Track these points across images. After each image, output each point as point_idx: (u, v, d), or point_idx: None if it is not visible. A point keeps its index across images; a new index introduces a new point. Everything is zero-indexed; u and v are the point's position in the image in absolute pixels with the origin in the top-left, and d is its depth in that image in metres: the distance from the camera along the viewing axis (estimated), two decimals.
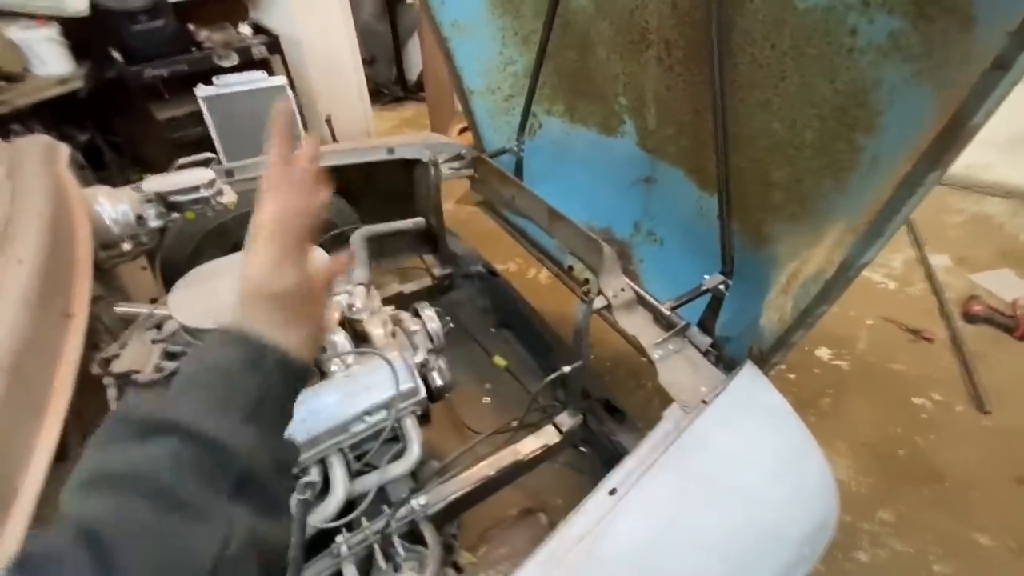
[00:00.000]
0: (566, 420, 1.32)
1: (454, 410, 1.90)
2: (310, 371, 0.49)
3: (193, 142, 2.87)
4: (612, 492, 0.79)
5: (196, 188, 1.25)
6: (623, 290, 1.11)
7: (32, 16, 2.49)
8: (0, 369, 0.60)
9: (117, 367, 0.94)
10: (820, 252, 0.95)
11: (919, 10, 0.67)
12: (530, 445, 1.28)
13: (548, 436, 1.30)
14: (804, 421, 1.59)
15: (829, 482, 0.91)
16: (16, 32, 2.46)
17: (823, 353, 2.13)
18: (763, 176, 1.11)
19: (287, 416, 0.47)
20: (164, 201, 1.23)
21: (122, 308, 1.20)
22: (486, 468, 1.21)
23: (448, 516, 1.18)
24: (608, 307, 1.08)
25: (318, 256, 0.52)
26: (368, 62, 4.74)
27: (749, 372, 1.02)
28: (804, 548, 0.82)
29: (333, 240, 1.60)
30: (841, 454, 1.75)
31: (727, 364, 1.10)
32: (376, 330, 1.20)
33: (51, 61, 2.54)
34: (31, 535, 0.34)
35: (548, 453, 1.29)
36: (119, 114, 2.99)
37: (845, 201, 0.91)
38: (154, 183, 1.22)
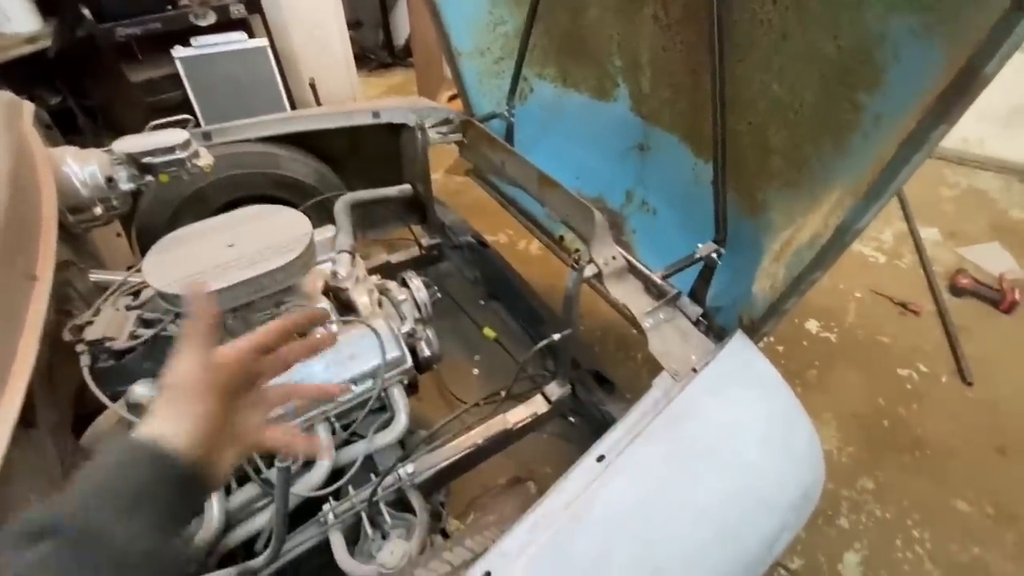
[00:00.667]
0: (555, 390, 1.31)
1: (443, 381, 1.89)
2: (199, 470, 0.45)
3: (171, 107, 2.75)
4: (600, 459, 0.78)
5: (171, 149, 1.19)
6: (614, 258, 1.09)
7: None
8: None
9: (90, 334, 0.90)
10: (816, 218, 0.93)
11: None
12: (519, 414, 1.27)
13: (537, 405, 1.30)
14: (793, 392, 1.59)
15: (816, 451, 0.91)
16: None
17: (812, 325, 2.14)
18: (761, 141, 1.08)
19: (177, 514, 0.45)
20: (136, 163, 1.17)
21: (96, 275, 1.15)
22: (474, 437, 1.20)
23: (436, 484, 1.17)
24: (599, 275, 1.06)
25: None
26: (354, 26, 4.57)
27: (739, 341, 1.01)
28: (789, 515, 0.83)
29: (316, 206, 1.55)
30: (827, 424, 1.77)
31: (717, 334, 1.09)
32: (361, 298, 1.17)
33: (16, 18, 2.40)
34: None
35: (537, 422, 1.29)
36: (91, 76, 2.85)
37: (845, 164, 0.89)
38: (125, 144, 1.16)
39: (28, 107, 1.16)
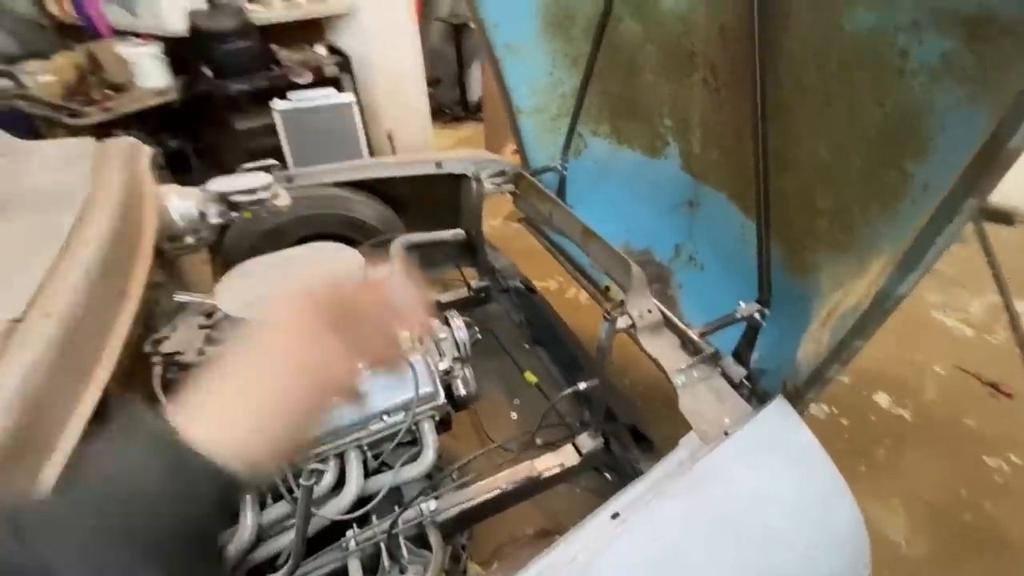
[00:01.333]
0: (587, 442, 1.29)
1: (480, 422, 1.90)
2: (253, 482, 0.36)
3: (266, 151, 3.08)
4: (615, 516, 0.77)
5: (254, 190, 1.35)
6: (649, 311, 1.09)
7: (139, 35, 2.81)
8: (55, 338, 0.67)
9: (165, 347, 1.02)
10: (863, 283, 0.89)
11: (971, 30, 0.63)
12: (547, 463, 1.25)
13: (567, 456, 1.28)
14: (854, 471, 1.49)
15: (860, 534, 0.84)
16: (126, 49, 2.78)
17: (882, 399, 1.97)
18: (808, 203, 1.06)
19: (208, 541, 0.37)
20: (225, 201, 1.33)
21: (181, 296, 1.30)
22: (500, 481, 1.20)
23: (459, 525, 1.17)
24: (632, 327, 1.06)
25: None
26: (433, 83, 4.96)
27: (779, 407, 0.96)
28: None
29: (374, 246, 1.67)
30: (895, 512, 1.59)
31: (760, 398, 1.05)
32: (402, 333, 1.23)
33: (152, 75, 2.84)
34: None
35: (566, 474, 1.26)
36: (205, 124, 3.28)
37: (892, 231, 0.86)
38: (217, 184, 1.33)
39: (147, 150, 1.37)
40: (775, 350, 1.14)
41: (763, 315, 1.11)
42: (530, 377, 2.01)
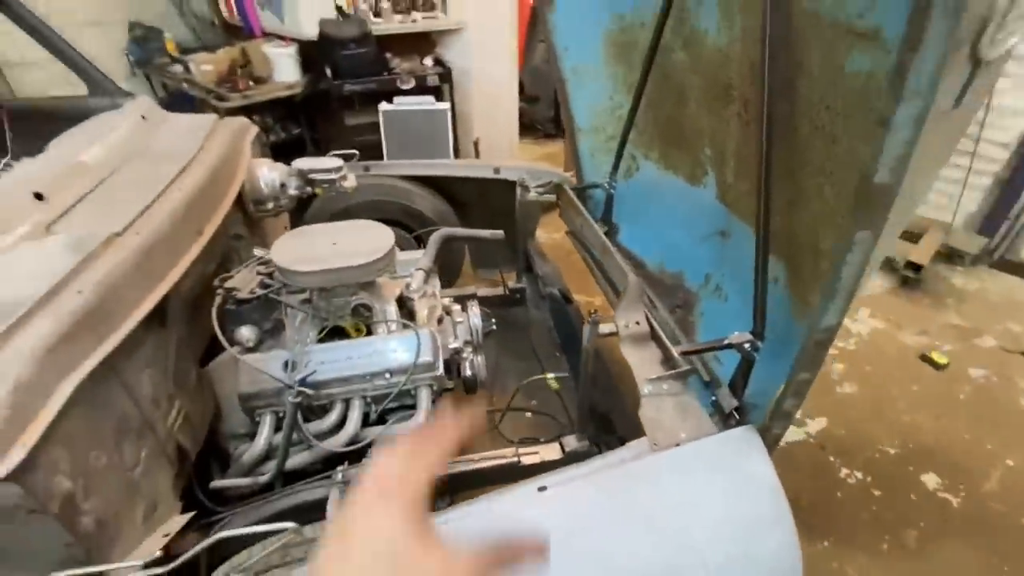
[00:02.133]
0: (572, 441, 1.35)
1: (494, 417, 2.01)
2: None
3: (368, 146, 3.47)
4: (542, 488, 0.84)
5: (328, 171, 1.59)
6: (637, 323, 1.14)
7: (282, 37, 3.31)
8: (138, 250, 0.90)
9: (228, 284, 1.25)
10: None
11: None
12: (532, 455, 1.33)
13: (551, 452, 1.34)
14: (874, 548, 1.44)
15: (790, 569, 0.84)
16: (270, 49, 3.29)
17: (930, 480, 1.79)
18: (813, 243, 1.06)
19: None
20: (304, 177, 1.58)
21: (257, 250, 1.57)
22: (483, 460, 1.30)
23: (440, 492, 1.29)
24: (615, 334, 1.12)
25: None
26: (532, 100, 5.20)
27: (743, 435, 0.98)
28: None
29: (417, 238, 1.86)
30: None
31: None
32: (422, 311, 1.39)
33: (286, 72, 3.33)
34: None
35: (546, 466, 1.33)
36: (322, 116, 3.75)
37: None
38: (300, 163, 1.59)
39: (253, 129, 1.66)
40: (767, 387, 1.13)
41: (755, 347, 1.11)
42: (552, 383, 2.08)
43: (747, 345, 1.12)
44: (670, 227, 1.78)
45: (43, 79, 3.32)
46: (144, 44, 4.11)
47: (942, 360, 2.31)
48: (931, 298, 2.84)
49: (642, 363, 1.10)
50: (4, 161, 1.36)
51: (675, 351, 1.11)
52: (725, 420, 1.09)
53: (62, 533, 0.71)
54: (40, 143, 1.25)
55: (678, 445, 0.93)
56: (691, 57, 1.39)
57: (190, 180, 1.12)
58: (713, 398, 1.16)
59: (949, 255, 3.11)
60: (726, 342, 1.13)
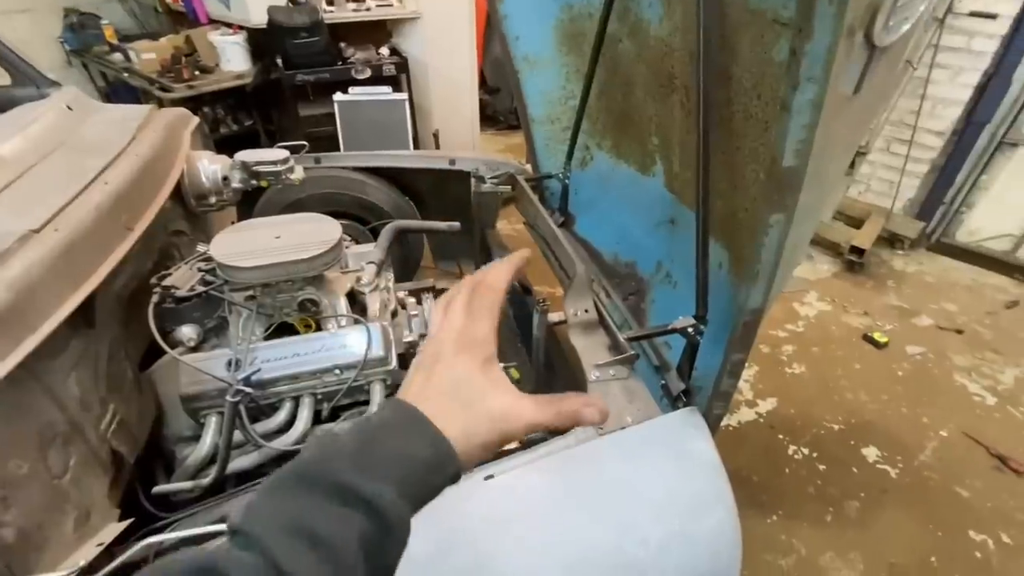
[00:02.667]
0: None
1: None
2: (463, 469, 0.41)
3: (323, 137, 3.39)
4: (488, 477, 0.85)
5: (273, 163, 1.54)
6: (586, 311, 1.15)
7: (229, 25, 3.18)
8: (58, 247, 0.85)
9: (166, 281, 1.20)
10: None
11: None
12: None
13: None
14: (818, 519, 1.50)
15: (729, 543, 0.87)
16: (216, 37, 3.16)
17: (870, 453, 1.88)
18: (752, 228, 1.09)
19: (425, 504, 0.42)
20: (248, 169, 1.53)
21: (200, 246, 1.51)
22: None
23: None
24: (563, 323, 1.13)
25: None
26: (494, 92, 5.18)
27: (686, 415, 1.00)
28: None
29: (372, 230, 1.83)
30: (851, 566, 1.54)
31: None
32: (373, 304, 1.37)
33: (235, 60, 3.20)
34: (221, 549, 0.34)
35: (502, 454, 1.34)
36: (275, 108, 3.63)
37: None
38: (243, 155, 1.53)
39: (193, 120, 1.59)
40: (715, 368, 1.16)
41: (698, 331, 1.14)
42: (514, 373, 2.09)
43: (690, 329, 1.15)
44: (624, 216, 1.80)
45: None
46: (80, 32, 3.89)
47: (883, 339, 2.43)
48: (874, 280, 2.98)
49: (590, 349, 1.12)
50: None
51: (622, 337, 1.13)
52: (673, 403, 1.12)
53: None
54: None
55: (623, 429, 0.95)
56: (637, 47, 1.40)
57: (119, 173, 1.07)
58: (663, 382, 1.19)
59: (890, 239, 3.27)
60: (670, 327, 1.16)
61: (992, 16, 2.78)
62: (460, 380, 0.42)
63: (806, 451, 1.86)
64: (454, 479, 0.41)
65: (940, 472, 1.82)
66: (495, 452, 0.45)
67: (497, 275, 0.47)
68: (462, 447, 0.40)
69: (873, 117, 2.50)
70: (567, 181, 1.89)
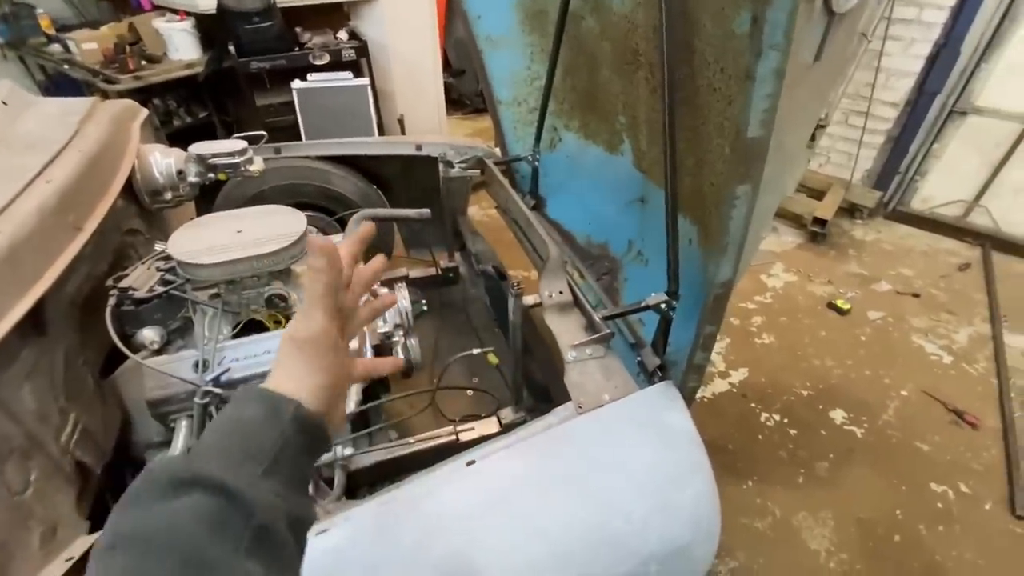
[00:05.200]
0: (508, 414, 1.36)
1: (436, 396, 2.00)
2: (325, 425, 0.47)
3: (284, 127, 3.27)
4: (470, 463, 0.85)
5: (231, 155, 1.47)
6: (561, 293, 1.15)
7: (175, 11, 3.02)
8: (1, 251, 0.80)
9: (123, 283, 1.15)
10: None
11: None
12: (471, 432, 1.34)
13: (488, 426, 1.36)
14: (791, 481, 1.54)
15: (709, 513, 0.89)
16: (161, 24, 2.99)
17: (837, 415, 1.96)
18: (719, 201, 1.10)
19: (305, 473, 0.46)
20: (203, 162, 1.46)
21: (158, 245, 1.44)
22: (420, 442, 1.29)
23: (376, 477, 1.27)
24: (539, 305, 1.13)
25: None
26: (458, 74, 5.08)
27: (662, 390, 1.02)
28: (651, 566, 0.82)
29: (339, 221, 1.78)
30: (823, 523, 1.61)
31: None
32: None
33: (183, 49, 3.04)
34: None
35: (483, 440, 1.34)
36: (230, 97, 3.48)
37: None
38: (198, 147, 1.46)
39: (141, 112, 1.51)
40: (688, 342, 1.18)
41: (671, 306, 1.16)
42: (492, 359, 2.09)
43: (663, 305, 1.16)
44: (594, 197, 1.80)
45: None
46: (14, 23, 3.63)
47: (845, 306, 2.52)
48: (836, 250, 3.08)
49: (566, 330, 1.12)
50: None
51: (597, 316, 1.14)
52: (650, 378, 1.14)
53: None
54: None
55: (601, 407, 0.96)
56: (600, 23, 1.39)
57: (62, 170, 1.00)
58: (639, 358, 1.21)
59: (850, 209, 3.38)
60: (643, 304, 1.17)
61: None
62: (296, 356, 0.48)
63: (777, 417, 1.93)
64: (301, 420, 0.44)
65: (902, 430, 1.91)
66: (340, 395, 0.50)
67: (322, 262, 0.49)
68: (306, 395, 0.45)
69: (832, 88, 2.56)
70: (537, 164, 1.87)
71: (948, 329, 2.40)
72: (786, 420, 1.93)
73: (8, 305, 0.79)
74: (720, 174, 1.08)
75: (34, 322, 0.84)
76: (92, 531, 0.93)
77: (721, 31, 0.92)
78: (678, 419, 0.97)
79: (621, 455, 0.89)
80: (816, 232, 3.11)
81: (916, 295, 2.64)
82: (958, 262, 2.94)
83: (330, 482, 1.15)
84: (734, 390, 2.08)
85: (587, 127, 1.73)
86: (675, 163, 1.07)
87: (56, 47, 3.31)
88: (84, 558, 0.83)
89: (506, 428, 1.35)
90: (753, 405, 2.00)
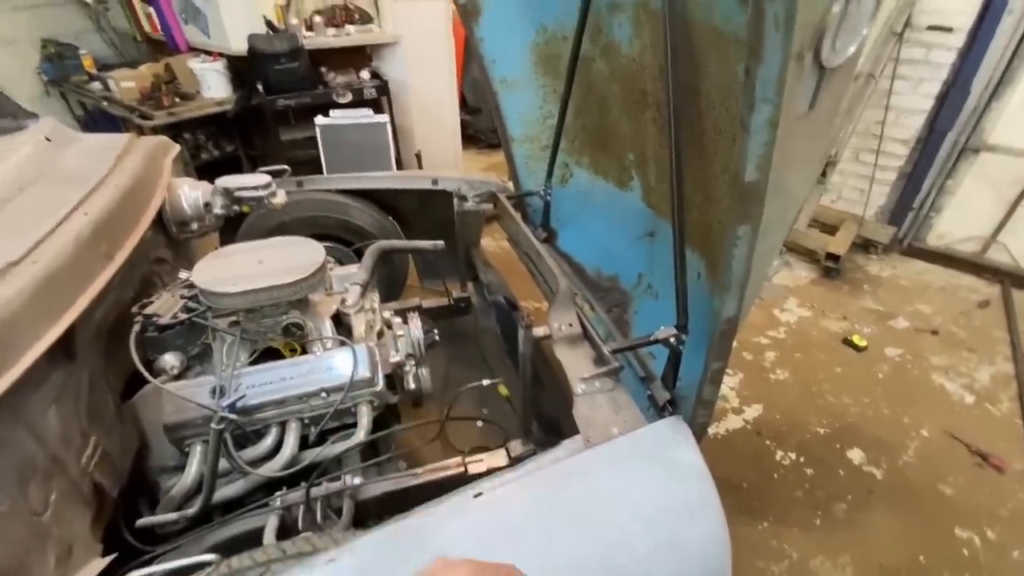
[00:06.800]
0: (517, 447, 1.36)
1: (445, 426, 1.99)
2: None
3: (306, 160, 3.40)
4: (477, 495, 0.85)
5: (255, 188, 1.54)
6: (570, 325, 1.17)
7: (209, 52, 3.20)
8: (37, 280, 0.84)
9: (148, 309, 1.20)
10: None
11: None
12: (479, 464, 1.34)
13: (497, 458, 1.35)
14: (807, 523, 1.51)
15: (719, 553, 0.88)
16: (196, 64, 3.17)
17: (855, 455, 1.91)
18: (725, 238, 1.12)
19: None
20: (229, 195, 1.53)
21: (182, 273, 1.50)
22: (429, 473, 1.29)
23: (385, 508, 1.27)
24: (548, 337, 1.14)
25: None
26: (474, 112, 5.25)
27: (671, 424, 1.02)
28: None
29: (356, 252, 1.84)
30: (841, 569, 1.55)
31: None
32: (359, 326, 1.37)
33: (215, 87, 3.22)
34: None
35: (492, 472, 1.34)
36: (256, 133, 3.64)
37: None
38: (224, 180, 1.53)
39: (174, 148, 1.60)
40: (698, 377, 1.18)
41: (680, 340, 1.16)
42: (503, 390, 2.09)
43: (672, 339, 1.17)
44: (604, 231, 1.83)
45: None
46: (59, 62, 3.88)
47: (862, 343, 2.49)
48: (850, 285, 3.06)
49: (575, 363, 1.13)
50: None
51: (606, 349, 1.15)
52: (660, 412, 1.14)
53: None
54: None
55: (610, 440, 0.96)
56: (610, 66, 1.45)
57: (98, 203, 1.07)
58: (648, 392, 1.21)
59: (864, 245, 3.36)
60: (653, 338, 1.18)
61: (948, 29, 2.92)
62: None
63: (793, 456, 1.88)
64: None
65: (923, 472, 1.85)
66: None
67: None
68: None
69: (834, 129, 2.59)
70: (548, 198, 1.92)
71: (969, 368, 2.34)
72: (802, 459, 1.88)
73: (42, 330, 0.84)
74: (726, 210, 1.10)
75: (64, 347, 0.88)
76: (105, 554, 0.94)
77: (726, 73, 0.96)
78: (687, 455, 0.97)
79: (629, 490, 0.89)
80: (830, 267, 3.10)
81: (935, 332, 2.59)
82: (977, 299, 2.89)
83: (338, 511, 1.15)
84: (748, 427, 2.05)
85: (597, 164, 1.78)
86: (681, 199, 1.10)
87: (96, 85, 3.52)
88: None
89: (515, 461, 1.34)
90: (768, 443, 1.96)
